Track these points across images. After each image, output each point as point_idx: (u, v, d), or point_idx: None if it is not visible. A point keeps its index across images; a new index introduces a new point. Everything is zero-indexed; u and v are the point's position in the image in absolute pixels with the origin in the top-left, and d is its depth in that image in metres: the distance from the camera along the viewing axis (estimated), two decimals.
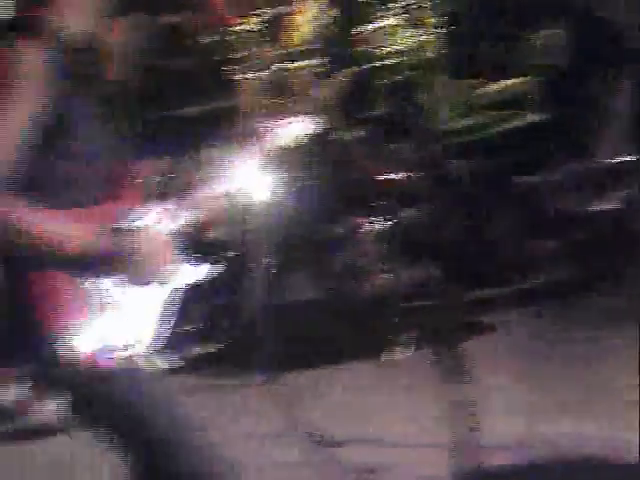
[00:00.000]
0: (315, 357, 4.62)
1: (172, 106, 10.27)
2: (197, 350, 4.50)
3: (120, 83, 9.95)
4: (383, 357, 4.56)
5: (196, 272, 2.64)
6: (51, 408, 4.60)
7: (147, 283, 2.45)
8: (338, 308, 4.72)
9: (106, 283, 2.36)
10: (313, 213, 4.60)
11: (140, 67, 11.98)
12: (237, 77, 8.72)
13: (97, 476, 4.09)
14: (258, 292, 4.64)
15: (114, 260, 2.34)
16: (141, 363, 2.44)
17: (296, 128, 3.10)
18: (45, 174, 2.34)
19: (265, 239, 4.48)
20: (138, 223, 2.48)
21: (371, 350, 4.63)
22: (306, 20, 8.22)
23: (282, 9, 9.02)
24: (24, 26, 2.37)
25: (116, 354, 2.36)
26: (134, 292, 2.44)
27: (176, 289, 2.56)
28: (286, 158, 4.71)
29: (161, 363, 2.50)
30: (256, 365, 4.59)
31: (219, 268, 2.70)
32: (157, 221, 2.54)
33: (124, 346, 2.38)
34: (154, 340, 2.47)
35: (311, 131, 3.19)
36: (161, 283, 2.49)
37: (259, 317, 4.65)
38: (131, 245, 2.37)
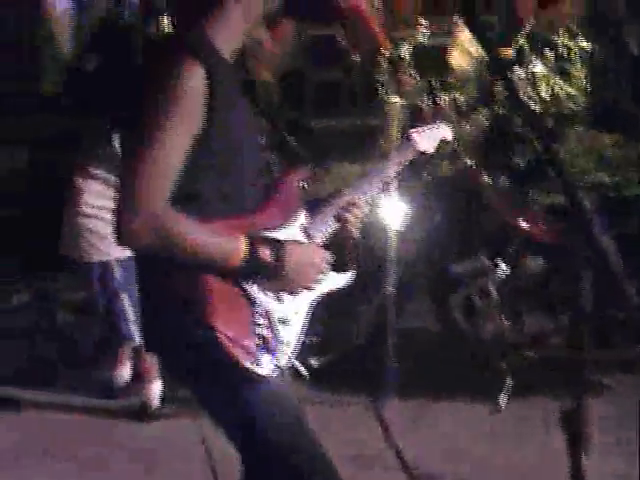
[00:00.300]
0: (422, 386, 4.61)
1: (319, 117, 10.44)
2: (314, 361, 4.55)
3: (271, 94, 10.16)
4: (491, 400, 4.51)
5: (337, 280, 2.72)
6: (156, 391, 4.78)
7: (297, 292, 2.53)
8: (453, 342, 4.71)
9: (259, 291, 2.44)
10: (442, 246, 4.62)
11: (292, 77, 12.19)
12: (383, 98, 8.84)
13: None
14: (377, 312, 4.69)
15: (266, 269, 2.41)
16: (289, 370, 2.56)
17: (437, 133, 3.25)
18: (201, 186, 2.41)
19: (392, 260, 4.51)
20: (288, 232, 2.58)
21: (480, 390, 4.59)
22: (460, 55, 8.28)
23: (438, 40, 9.14)
24: (184, 43, 2.41)
25: (271, 361, 2.44)
26: (285, 300, 2.51)
27: (318, 297, 2.63)
28: (423, 189, 4.82)
29: (305, 371, 2.58)
30: (365, 385, 4.64)
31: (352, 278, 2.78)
32: (305, 231, 2.64)
33: (278, 353, 2.47)
34: (299, 348, 2.55)
35: (449, 137, 3.36)
36: (308, 291, 2.56)
37: (375, 337, 4.70)
38: (282, 255, 2.43)
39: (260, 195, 2.58)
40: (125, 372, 5.00)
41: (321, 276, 2.57)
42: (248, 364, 2.37)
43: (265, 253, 2.38)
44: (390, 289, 4.59)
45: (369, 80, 9.52)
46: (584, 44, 9.30)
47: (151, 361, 4.67)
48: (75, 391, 5.10)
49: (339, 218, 2.73)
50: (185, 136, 2.30)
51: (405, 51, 9.12)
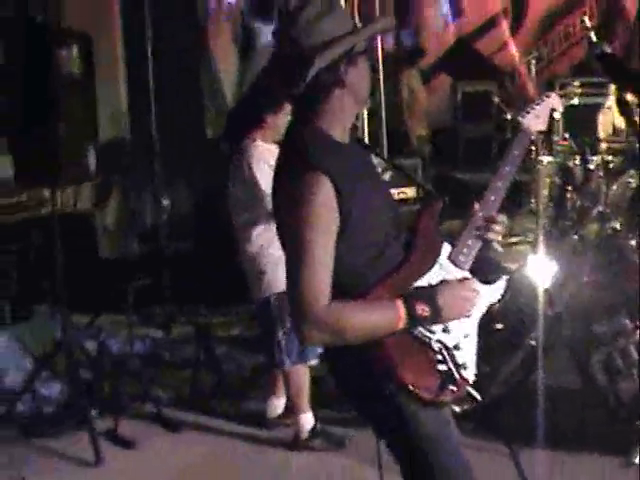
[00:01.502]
0: (559, 440, 4.68)
1: (470, 171, 10.56)
2: None
3: (423, 147, 10.32)
4: (625, 455, 4.50)
5: (493, 293, 2.85)
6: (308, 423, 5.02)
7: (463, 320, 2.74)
8: (592, 399, 4.80)
9: (426, 331, 2.67)
10: (587, 305, 4.74)
11: (445, 132, 12.39)
12: (535, 156, 8.97)
13: None
14: (520, 365, 4.84)
15: (427, 321, 2.64)
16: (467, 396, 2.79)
17: (544, 107, 3.16)
18: (350, 265, 2.63)
19: (538, 316, 4.66)
20: (437, 272, 2.74)
21: (615, 447, 4.61)
22: (611, 116, 8.34)
23: (591, 101, 9.21)
24: (307, 157, 2.57)
25: (461, 387, 2.71)
26: (452, 329, 2.72)
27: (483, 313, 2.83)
28: (571, 249, 4.98)
29: (479, 396, 2.83)
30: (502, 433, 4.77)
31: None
32: (453, 261, 2.78)
33: (459, 380, 2.70)
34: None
35: (559, 106, 3.24)
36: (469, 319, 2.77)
37: (515, 390, 4.85)
38: (437, 303, 2.62)
39: (404, 242, 2.77)
40: (279, 403, 5.32)
41: (476, 304, 2.74)
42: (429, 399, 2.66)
43: (422, 309, 2.60)
44: (534, 343, 4.77)
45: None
46: None
47: (302, 393, 4.99)
48: (231, 419, 5.47)
49: (481, 238, 2.84)
50: (331, 238, 2.55)
51: (558, 112, 9.26)
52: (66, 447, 5.17)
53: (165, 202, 7.26)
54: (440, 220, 2.85)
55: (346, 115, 2.72)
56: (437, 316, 2.65)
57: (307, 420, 5.02)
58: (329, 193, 2.52)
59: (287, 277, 2.60)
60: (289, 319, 3.96)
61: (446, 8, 13.61)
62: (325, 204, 2.52)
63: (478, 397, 2.75)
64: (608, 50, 2.11)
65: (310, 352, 4.86)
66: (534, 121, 3.12)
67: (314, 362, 4.99)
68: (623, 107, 2.38)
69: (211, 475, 4.91)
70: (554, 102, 3.22)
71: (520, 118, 3.11)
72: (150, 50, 6.91)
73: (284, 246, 2.67)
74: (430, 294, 2.65)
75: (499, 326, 4.75)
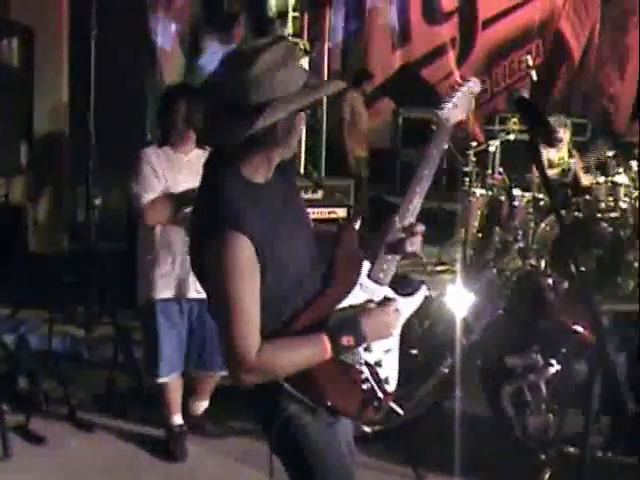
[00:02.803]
0: (465, 466, 4.71)
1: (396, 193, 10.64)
2: None
3: (361, 169, 10.34)
4: None
5: (413, 303, 2.91)
6: None
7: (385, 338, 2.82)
8: (500, 429, 4.89)
9: (348, 356, 2.77)
10: (501, 337, 4.83)
11: (383, 155, 12.41)
12: (467, 188, 9.10)
13: None
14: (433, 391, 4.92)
15: (352, 348, 2.73)
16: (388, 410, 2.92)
17: (465, 96, 2.98)
18: (274, 301, 2.69)
19: (452, 345, 4.75)
20: (357, 293, 2.80)
21: (519, 477, 4.78)
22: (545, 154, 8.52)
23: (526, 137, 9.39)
24: (227, 220, 2.57)
25: (384, 402, 2.82)
26: (373, 347, 2.81)
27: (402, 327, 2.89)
28: (489, 282, 5.07)
29: (400, 409, 2.90)
30: (410, 458, 4.84)
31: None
32: (373, 279, 2.83)
33: (383, 395, 2.82)
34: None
35: (478, 89, 3.01)
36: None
37: (426, 415, 4.93)
38: (360, 331, 2.71)
39: (325, 267, 2.83)
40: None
41: (398, 324, 2.84)
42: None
43: (347, 340, 2.69)
44: (446, 371, 4.87)
45: (456, 168, 9.86)
46: None
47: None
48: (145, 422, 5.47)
49: (399, 250, 2.85)
50: (255, 289, 2.61)
51: (495, 146, 9.44)
52: None
53: (97, 201, 7.22)
54: (362, 237, 2.88)
55: (272, 163, 2.73)
56: (361, 343, 2.74)
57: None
58: (250, 250, 2.56)
59: (219, 331, 2.67)
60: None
61: (394, 33, 13.75)
62: (247, 261, 2.57)
63: (400, 411, 2.82)
64: (525, 96, 2.18)
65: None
66: (453, 112, 2.94)
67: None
68: (533, 154, 2.36)
69: (114, 476, 4.93)
70: (473, 87, 3.03)
71: (437, 111, 2.93)
72: (94, 47, 6.87)
73: (209, 297, 2.73)
74: (354, 324, 2.72)
75: (414, 351, 4.82)
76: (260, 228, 2.58)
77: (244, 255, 2.55)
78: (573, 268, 2.49)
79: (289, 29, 9.68)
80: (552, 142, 2.13)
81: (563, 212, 8.20)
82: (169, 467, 5.03)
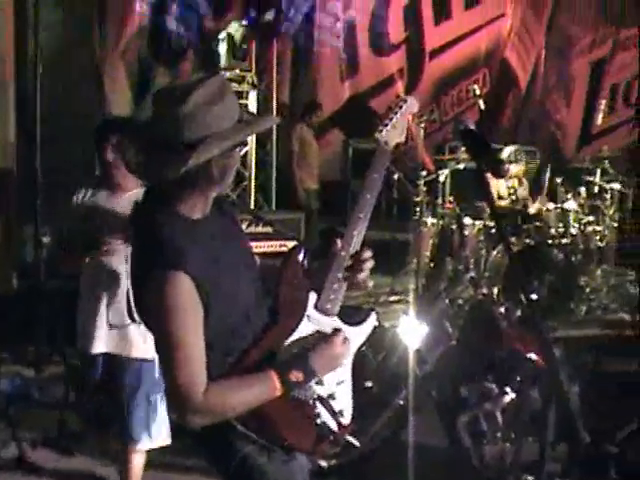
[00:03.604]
0: None
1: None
2: None
3: (311, 201, 10.31)
4: None
5: (364, 333, 2.89)
6: None
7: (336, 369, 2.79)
8: (458, 458, 4.87)
9: (300, 391, 2.73)
10: (455, 367, 4.83)
11: (333, 186, 12.44)
12: (418, 217, 9.13)
13: None
14: (387, 423, 4.89)
15: (302, 384, 2.69)
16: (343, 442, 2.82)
17: (403, 117, 2.91)
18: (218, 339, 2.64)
19: (406, 376, 4.74)
20: (305, 326, 2.78)
21: None
22: (495, 183, 8.57)
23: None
24: (164, 260, 2.51)
25: (339, 435, 2.77)
26: (325, 380, 2.78)
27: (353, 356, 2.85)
28: (441, 313, 5.08)
29: (356, 442, 2.86)
30: None
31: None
32: (320, 310, 2.79)
33: (336, 428, 2.78)
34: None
35: (415, 108, 2.96)
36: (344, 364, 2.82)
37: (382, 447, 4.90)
38: (309, 366, 2.68)
39: (271, 302, 2.79)
40: None
41: (347, 354, 2.80)
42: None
43: (296, 376, 2.65)
44: (402, 402, 4.85)
45: (406, 198, 9.89)
46: (617, 186, 9.65)
47: None
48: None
49: (348, 280, 2.81)
50: (199, 327, 2.56)
51: (445, 175, 9.50)
52: None
53: (45, 239, 7.13)
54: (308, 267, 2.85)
55: (208, 199, 2.68)
56: (311, 378, 2.71)
57: None
58: (191, 289, 2.51)
59: (162, 371, 2.60)
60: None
61: (343, 65, 13.80)
62: (188, 298, 2.52)
63: (356, 443, 2.79)
64: (471, 127, 2.17)
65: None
66: (392, 134, 2.90)
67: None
68: (480, 183, 2.34)
69: None
70: (411, 106, 2.98)
71: (377, 135, 2.89)
72: (39, 83, 6.82)
73: (154, 335, 2.64)
74: (302, 359, 2.70)
75: (369, 384, 4.80)
76: (200, 265, 2.54)
77: (185, 292, 2.50)
78: (522, 296, 2.48)
79: (236, 62, 9.67)
80: (499, 172, 2.12)
81: (513, 239, 8.26)
82: None
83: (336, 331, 2.79)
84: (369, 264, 2.84)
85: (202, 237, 2.62)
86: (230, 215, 2.88)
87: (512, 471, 4.59)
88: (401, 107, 2.95)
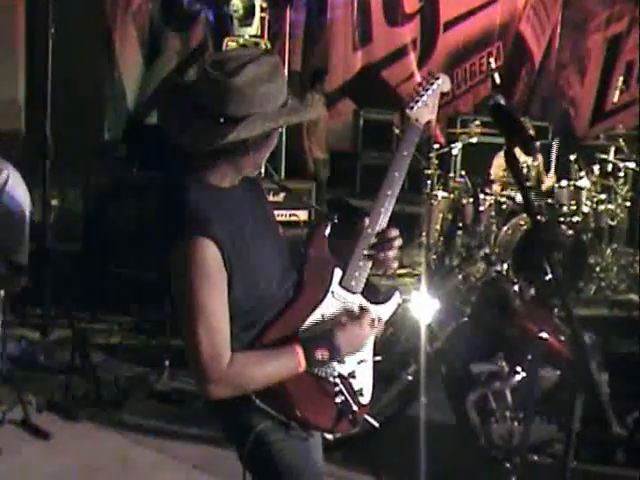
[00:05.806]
0: (429, 474, 4.68)
1: (364, 198, 10.62)
2: None
3: (320, 171, 10.27)
4: None
5: (388, 311, 2.85)
6: None
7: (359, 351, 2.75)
8: (465, 436, 4.83)
9: (322, 369, 2.69)
10: (466, 345, 4.78)
11: (343, 157, 12.41)
12: (429, 190, 9.09)
13: None
14: (397, 398, 4.86)
15: (327, 362, 2.65)
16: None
17: (434, 94, 2.87)
18: (244, 310, 2.59)
19: (417, 351, 4.70)
20: (329, 302, 2.72)
21: None
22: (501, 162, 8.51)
23: (489, 140, 9.38)
24: (192, 225, 2.47)
25: (358, 415, 2.74)
26: (346, 359, 2.73)
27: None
28: (454, 289, 5.02)
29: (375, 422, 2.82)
30: (372, 465, 4.78)
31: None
32: (344, 287, 2.74)
33: (356, 407, 2.74)
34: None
35: (448, 87, 2.91)
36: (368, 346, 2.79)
37: (389, 422, 4.87)
38: (335, 344, 2.63)
39: (295, 276, 2.75)
40: None
41: (373, 334, 2.76)
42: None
43: (322, 354, 2.61)
44: (411, 378, 4.81)
45: (418, 170, 9.82)
46: (631, 164, 9.55)
47: None
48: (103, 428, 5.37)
49: (372, 257, 2.77)
50: (223, 295, 2.51)
51: (457, 149, 9.43)
52: None
53: (54, 202, 7.09)
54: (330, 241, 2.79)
55: (240, 172, 2.65)
56: (336, 356, 2.66)
57: None
58: (216, 256, 2.47)
59: (185, 339, 2.54)
60: None
61: (355, 34, 13.70)
62: (213, 266, 2.47)
63: (375, 424, 2.75)
64: (502, 102, 2.11)
65: None
66: (423, 111, 2.84)
67: None
68: (511, 159, 2.29)
69: None
70: (443, 85, 2.92)
71: (408, 110, 2.82)
72: (51, 46, 6.75)
73: (175, 307, 2.59)
74: (329, 337, 2.65)
75: (378, 358, 4.74)
76: (227, 235, 2.50)
77: (210, 259, 2.46)
78: (550, 272, 2.41)
79: (252, 30, 9.55)
80: (530, 150, 2.06)
81: (524, 216, 8.20)
82: (126, 474, 4.91)
83: (363, 310, 2.75)
84: (397, 242, 2.78)
85: (229, 205, 2.59)
86: (257, 185, 2.84)
87: (520, 451, 4.55)
88: (432, 84, 2.89)
